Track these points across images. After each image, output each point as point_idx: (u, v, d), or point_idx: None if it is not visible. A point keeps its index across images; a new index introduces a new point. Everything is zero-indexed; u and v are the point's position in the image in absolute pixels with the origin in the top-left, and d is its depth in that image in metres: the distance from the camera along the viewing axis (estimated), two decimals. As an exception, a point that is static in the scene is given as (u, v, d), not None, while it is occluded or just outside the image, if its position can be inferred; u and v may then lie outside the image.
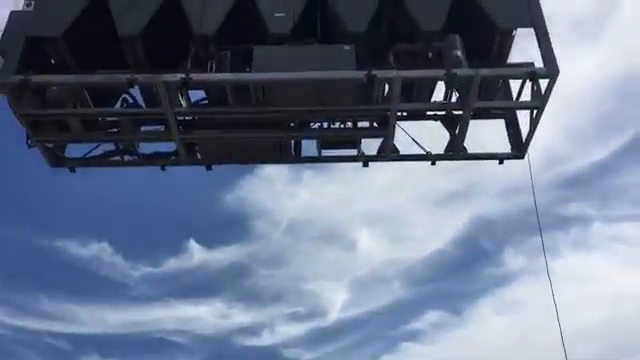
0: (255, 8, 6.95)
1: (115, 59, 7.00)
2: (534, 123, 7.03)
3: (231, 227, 21.85)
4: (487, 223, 20.68)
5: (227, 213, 21.01)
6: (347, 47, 6.55)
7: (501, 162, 7.53)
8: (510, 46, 7.01)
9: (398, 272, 21.85)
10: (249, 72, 6.52)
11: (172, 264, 20.63)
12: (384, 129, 7.06)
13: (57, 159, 7.44)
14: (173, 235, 20.63)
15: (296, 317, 21.97)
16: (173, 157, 7.50)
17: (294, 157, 7.56)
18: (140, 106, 7.12)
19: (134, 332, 20.68)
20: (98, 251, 20.51)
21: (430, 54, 6.87)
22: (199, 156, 7.54)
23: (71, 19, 6.79)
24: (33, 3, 6.88)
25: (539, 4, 6.86)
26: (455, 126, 7.42)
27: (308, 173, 18.90)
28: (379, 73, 6.41)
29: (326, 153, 7.54)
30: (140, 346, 20.70)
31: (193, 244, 20.62)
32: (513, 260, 21.05)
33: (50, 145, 7.32)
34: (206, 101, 7.24)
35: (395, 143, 7.32)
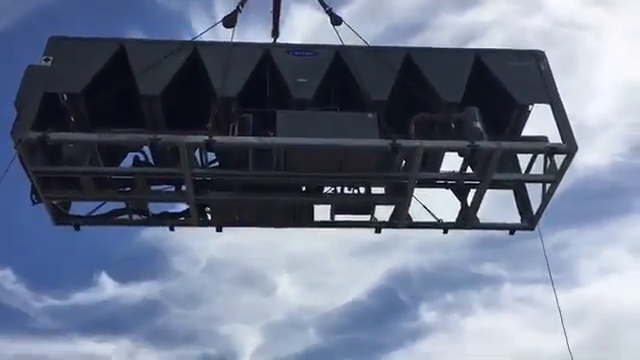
0: (277, 72, 6.99)
1: (130, 117, 6.91)
2: (547, 196, 7.14)
3: (147, 262, 20.79)
4: (404, 276, 20.94)
5: (144, 248, 19.97)
6: (370, 115, 6.59)
7: (512, 233, 7.60)
8: (525, 120, 7.20)
9: (314, 319, 21.55)
10: (272, 136, 6.49)
11: (80, 297, 19.55)
12: (401, 196, 7.07)
13: (62, 216, 7.19)
14: (84, 267, 19.44)
15: None
16: (183, 218, 7.34)
17: (307, 221, 7.47)
18: (155, 165, 6.98)
19: None
20: (0, 278, 19.27)
21: (450, 124, 6.99)
22: (209, 217, 7.41)
23: (91, 76, 6.69)
24: (52, 59, 6.78)
25: (553, 81, 7.10)
26: (465, 195, 7.50)
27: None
28: (403, 142, 6.46)
29: (339, 218, 7.52)
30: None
31: (105, 278, 19.66)
32: (426, 314, 21.32)
33: (55, 202, 7.08)
34: (217, 162, 7.15)
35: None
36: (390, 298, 21.19)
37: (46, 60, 6.76)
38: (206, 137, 6.31)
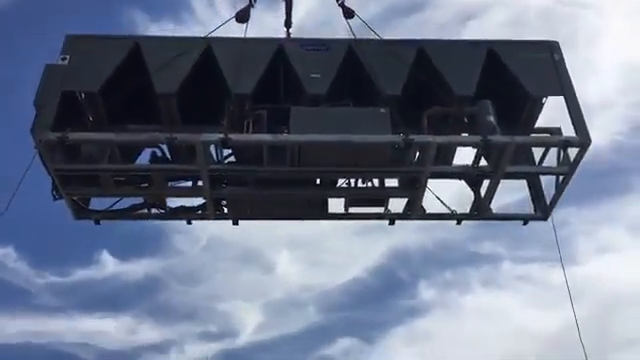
0: (291, 68, 7.04)
1: (146, 112, 7.02)
2: (560, 188, 7.17)
3: (148, 240, 21.40)
4: (404, 254, 21.25)
5: (145, 226, 20.13)
6: (383, 110, 6.63)
7: (525, 223, 7.65)
8: (539, 112, 7.21)
9: (313, 297, 22.09)
10: (286, 132, 6.57)
11: (81, 275, 20.15)
12: (414, 189, 7.14)
13: (82, 211, 7.36)
14: (85, 245, 19.83)
15: (207, 336, 21.72)
16: (200, 212, 7.47)
17: (322, 214, 7.57)
18: (172, 159, 7.09)
19: (32, 342, 19.79)
20: (2, 256, 19.81)
21: (463, 117, 7.02)
22: (226, 210, 7.54)
23: (108, 75, 6.79)
24: (69, 57, 6.88)
25: (568, 73, 7.07)
26: (479, 185, 7.55)
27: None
28: (417, 138, 6.51)
29: (353, 210, 7.61)
30: (37, 358, 19.87)
31: (106, 255, 20.11)
32: (425, 292, 21.92)
33: (75, 197, 7.25)
34: (232, 157, 7.25)
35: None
36: (390, 276, 21.75)
37: (63, 59, 6.86)
38: (221, 135, 6.41)
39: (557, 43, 7.33)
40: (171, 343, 21.48)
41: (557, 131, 7.21)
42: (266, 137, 6.52)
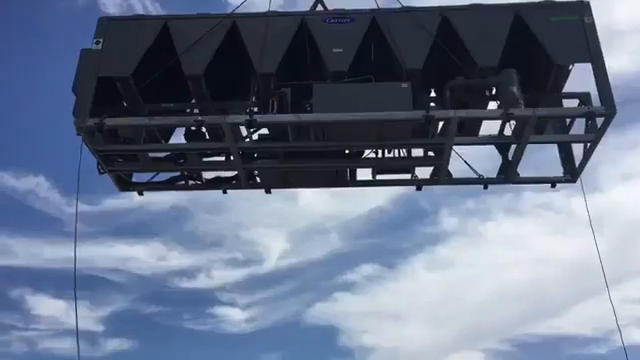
0: (313, 44, 7.13)
1: (178, 89, 7.33)
2: (588, 154, 7.15)
3: None
4: None
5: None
6: (404, 85, 6.69)
7: (553, 186, 7.69)
8: (566, 79, 7.09)
9: (337, 226, 22.42)
10: (309, 110, 6.76)
11: (111, 203, 20.24)
12: (439, 158, 7.27)
13: (126, 184, 7.87)
14: None
15: (234, 263, 22.51)
16: (234, 182, 7.86)
17: (350, 181, 7.83)
18: (206, 140, 7.39)
19: (67, 268, 20.70)
20: (34, 185, 20.33)
21: (486, 88, 7.01)
22: (258, 180, 7.90)
23: (139, 58, 7.07)
24: (102, 41, 7.18)
25: (597, 37, 6.87)
26: (507, 150, 7.58)
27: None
28: (437, 113, 6.59)
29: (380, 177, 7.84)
30: (72, 281, 21.16)
31: None
32: (447, 220, 21.99)
33: (119, 172, 7.74)
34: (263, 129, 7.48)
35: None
36: (412, 205, 22.04)
37: (97, 43, 7.17)
38: (247, 117, 6.67)
39: (588, 3, 7.07)
40: (199, 269, 22.33)
41: (586, 97, 7.10)
42: (289, 117, 6.74)
